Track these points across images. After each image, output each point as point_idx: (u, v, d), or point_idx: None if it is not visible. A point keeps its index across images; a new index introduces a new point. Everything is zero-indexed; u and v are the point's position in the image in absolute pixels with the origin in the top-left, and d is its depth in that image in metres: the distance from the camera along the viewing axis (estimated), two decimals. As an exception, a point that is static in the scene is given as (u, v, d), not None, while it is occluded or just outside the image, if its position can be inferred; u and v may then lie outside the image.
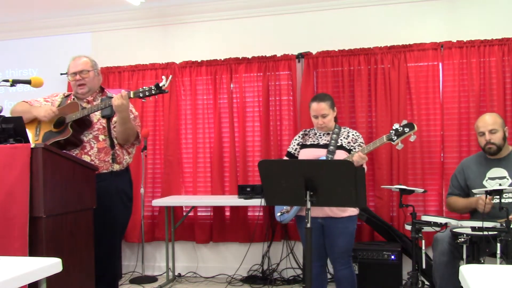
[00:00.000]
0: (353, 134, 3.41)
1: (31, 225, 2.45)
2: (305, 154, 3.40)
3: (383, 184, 4.40)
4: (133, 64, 5.23)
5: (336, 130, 3.41)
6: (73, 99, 3.33)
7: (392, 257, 4.01)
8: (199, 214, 5.06)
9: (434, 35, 4.55)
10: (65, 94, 3.46)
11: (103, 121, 3.22)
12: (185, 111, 5.12)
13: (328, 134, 3.42)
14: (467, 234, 2.97)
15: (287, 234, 4.80)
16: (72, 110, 3.15)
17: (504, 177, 3.43)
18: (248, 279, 4.77)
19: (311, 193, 2.59)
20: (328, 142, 3.37)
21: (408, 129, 3.15)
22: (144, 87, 3.06)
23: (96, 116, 3.22)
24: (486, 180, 3.47)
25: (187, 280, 4.94)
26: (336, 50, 4.71)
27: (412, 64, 4.55)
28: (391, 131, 3.19)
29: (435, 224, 3.18)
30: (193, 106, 5.08)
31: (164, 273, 4.95)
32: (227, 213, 5.01)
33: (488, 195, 3.15)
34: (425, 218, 3.29)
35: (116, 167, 3.25)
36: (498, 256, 2.82)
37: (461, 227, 3.13)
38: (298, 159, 3.42)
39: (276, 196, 2.81)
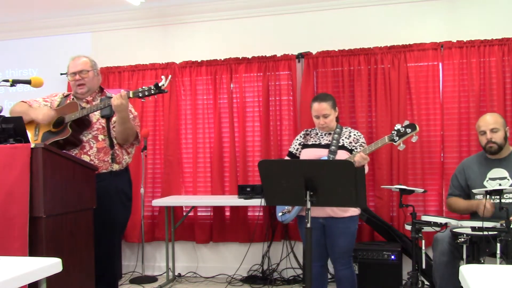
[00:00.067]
0: (354, 134, 3.40)
1: (31, 225, 2.45)
2: (307, 154, 3.39)
3: (383, 184, 4.40)
4: (133, 64, 5.23)
5: (338, 130, 3.40)
6: (73, 99, 3.33)
7: (392, 257, 4.01)
8: (199, 214, 5.06)
9: (434, 35, 4.55)
10: (65, 94, 3.46)
11: (103, 121, 3.23)
12: (185, 111, 5.12)
13: (330, 134, 3.42)
14: (467, 234, 2.97)
15: (287, 234, 4.80)
16: (71, 110, 3.15)
17: (504, 178, 3.43)
18: (248, 279, 4.77)
19: (311, 193, 2.59)
20: (329, 142, 3.36)
21: (410, 130, 3.14)
22: (144, 87, 3.06)
23: (95, 116, 3.22)
24: (487, 181, 3.47)
25: (187, 280, 4.94)
26: (336, 50, 4.71)
27: (412, 64, 4.55)
28: (392, 132, 3.18)
29: (435, 224, 3.18)
30: (193, 106, 5.08)
31: (164, 273, 4.95)
32: (227, 213, 5.01)
33: (489, 199, 3.15)
34: (425, 218, 3.29)
35: (116, 167, 3.25)
36: (498, 256, 2.82)
37: (461, 227, 3.13)
38: (299, 159, 3.42)
39: (276, 196, 2.81)
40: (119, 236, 3.50)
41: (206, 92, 5.07)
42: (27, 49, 5.61)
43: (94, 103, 3.28)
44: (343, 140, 3.36)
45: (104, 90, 3.43)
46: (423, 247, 3.21)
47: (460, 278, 1.65)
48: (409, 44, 4.56)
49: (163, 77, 3.07)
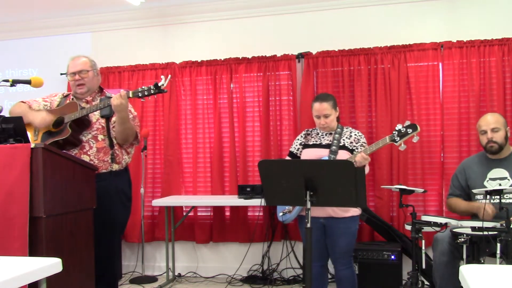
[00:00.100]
0: (355, 134, 3.40)
1: (31, 225, 2.46)
2: (308, 154, 3.39)
3: (383, 184, 4.40)
4: (133, 64, 5.23)
5: (339, 130, 3.40)
6: (72, 99, 3.33)
7: (392, 257, 4.01)
8: (199, 214, 5.06)
9: (434, 35, 4.55)
10: (64, 94, 3.46)
11: (102, 121, 3.23)
12: (185, 111, 5.12)
13: (331, 134, 3.42)
14: (467, 234, 2.97)
15: (287, 234, 4.80)
16: (71, 110, 3.15)
17: (505, 178, 3.43)
18: (248, 279, 4.77)
19: (311, 193, 2.59)
20: (330, 142, 3.36)
21: (411, 130, 3.14)
22: (143, 87, 3.06)
23: (95, 116, 3.22)
24: (487, 181, 3.47)
25: (187, 280, 4.94)
26: (336, 50, 4.71)
27: (412, 64, 4.55)
28: (394, 132, 3.18)
29: (435, 224, 3.18)
30: (193, 106, 5.07)
31: (164, 273, 4.95)
32: (227, 213, 5.01)
33: (490, 199, 3.15)
34: (425, 218, 3.29)
35: (115, 167, 3.25)
36: (498, 256, 2.82)
37: (461, 227, 3.13)
38: (300, 159, 3.42)
39: (276, 196, 2.81)
40: (119, 236, 3.50)
41: (206, 92, 5.07)
42: (27, 49, 5.61)
43: (93, 103, 3.28)
44: (344, 140, 3.36)
45: (104, 90, 3.43)
46: (423, 247, 3.21)
47: (460, 278, 1.65)
48: (409, 44, 4.56)
49: (162, 77, 3.08)
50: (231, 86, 5.01)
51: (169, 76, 3.30)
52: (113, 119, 3.22)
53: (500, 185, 3.38)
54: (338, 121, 3.48)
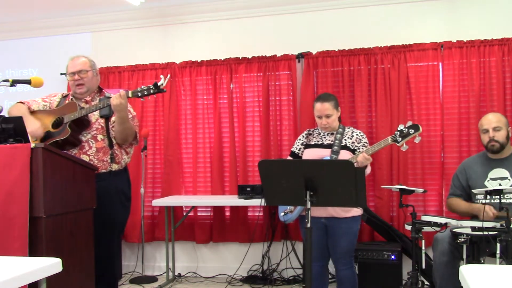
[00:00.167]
0: (357, 134, 3.40)
1: (31, 225, 2.45)
2: (309, 154, 3.39)
3: (383, 184, 4.40)
4: (133, 64, 5.23)
5: (340, 130, 3.40)
6: (71, 99, 3.33)
7: (392, 257, 4.01)
8: (199, 214, 5.06)
9: (434, 35, 4.55)
10: (64, 94, 3.46)
11: (102, 121, 3.23)
12: (185, 111, 5.12)
13: (332, 134, 3.41)
14: (467, 234, 2.97)
15: (287, 234, 4.80)
16: (70, 110, 3.15)
17: (506, 178, 3.43)
18: (248, 279, 4.77)
19: (311, 193, 2.59)
20: (332, 142, 3.36)
21: (413, 131, 3.15)
22: (143, 87, 3.07)
23: (94, 116, 3.22)
24: (488, 181, 3.47)
25: (187, 280, 4.94)
26: (336, 50, 4.71)
27: (412, 64, 4.55)
28: (395, 132, 3.18)
29: (435, 224, 3.18)
30: (193, 106, 5.07)
31: (164, 273, 4.95)
32: (227, 213, 5.01)
33: (490, 198, 3.15)
34: (425, 218, 3.29)
35: (115, 166, 3.25)
36: (498, 256, 2.82)
37: (461, 227, 3.13)
38: (302, 159, 3.42)
39: (276, 196, 2.81)
40: (118, 236, 3.50)
41: (206, 92, 5.06)
42: (27, 49, 5.61)
43: (93, 103, 3.28)
44: (345, 140, 3.36)
45: (103, 90, 3.43)
46: (423, 247, 3.21)
47: (460, 278, 1.65)
48: (409, 44, 4.56)
49: (162, 76, 3.08)
50: (231, 86, 5.01)
51: (168, 75, 3.30)
52: (113, 119, 3.22)
53: (500, 185, 3.38)
54: (340, 121, 3.48)
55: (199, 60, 5.06)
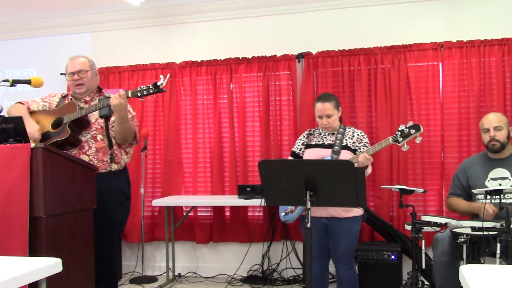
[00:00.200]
0: (358, 134, 3.40)
1: (31, 225, 2.45)
2: (310, 154, 3.39)
3: (383, 184, 4.40)
4: (133, 64, 5.23)
5: (341, 130, 3.40)
6: (71, 99, 3.33)
7: (392, 257, 4.01)
8: (199, 214, 5.06)
9: (434, 35, 4.55)
10: (63, 94, 3.45)
11: (101, 121, 3.22)
12: (185, 111, 5.12)
13: (333, 134, 3.41)
14: (467, 234, 2.97)
15: (287, 234, 4.80)
16: (70, 110, 3.15)
17: (506, 178, 3.43)
18: (248, 279, 4.77)
19: (311, 193, 2.59)
20: (333, 142, 3.36)
21: (414, 131, 3.14)
22: (142, 87, 3.07)
23: (94, 116, 3.22)
24: (488, 181, 3.47)
25: (187, 280, 4.94)
26: (336, 50, 4.71)
27: (412, 64, 4.55)
28: (397, 133, 3.18)
29: (435, 224, 3.18)
30: (193, 106, 5.07)
31: (164, 273, 4.95)
32: (227, 213, 5.01)
33: (490, 198, 3.15)
34: (425, 218, 3.29)
35: (114, 166, 3.25)
36: (498, 256, 2.82)
37: (461, 227, 3.13)
38: (302, 159, 3.42)
39: (276, 196, 2.81)
40: (118, 236, 3.50)
41: (206, 92, 5.06)
42: (27, 49, 5.61)
43: (92, 103, 3.28)
44: (346, 140, 3.36)
45: (102, 90, 3.43)
46: (423, 247, 3.21)
47: (460, 278, 1.65)
48: (409, 44, 4.56)
49: (161, 76, 3.08)
50: (231, 86, 5.01)
51: (168, 75, 3.30)
52: (112, 119, 3.22)
53: (500, 185, 3.38)
54: (341, 121, 3.47)
55: (199, 60, 5.06)
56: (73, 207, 2.78)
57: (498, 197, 3.00)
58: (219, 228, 4.99)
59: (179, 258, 5.10)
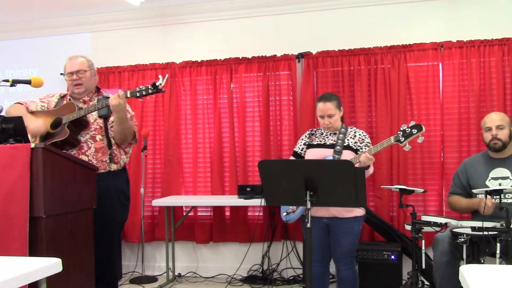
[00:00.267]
0: (360, 134, 3.40)
1: (31, 225, 2.45)
2: (312, 154, 3.39)
3: (383, 184, 4.40)
4: (133, 64, 5.23)
5: (343, 130, 3.40)
6: (69, 99, 3.32)
7: (392, 257, 4.01)
8: (199, 214, 5.06)
9: (434, 35, 4.55)
10: (61, 95, 3.45)
11: (100, 121, 3.22)
12: (185, 111, 5.12)
13: (335, 134, 3.41)
14: (467, 234, 2.97)
15: (287, 234, 4.80)
16: (68, 111, 3.14)
17: (507, 177, 3.43)
18: (248, 279, 4.77)
19: (311, 193, 2.59)
20: (334, 142, 3.36)
21: (416, 131, 3.14)
22: (141, 87, 3.07)
23: (92, 116, 3.22)
24: (489, 180, 3.47)
25: (187, 280, 4.94)
26: (336, 50, 4.71)
27: (412, 64, 4.55)
28: (398, 132, 3.18)
29: (435, 224, 3.18)
30: (193, 106, 5.07)
31: (164, 273, 4.95)
32: (227, 213, 5.01)
33: (490, 197, 3.15)
34: (425, 218, 3.29)
35: (114, 166, 3.25)
36: (498, 256, 2.82)
37: (461, 227, 3.13)
38: (302, 159, 3.42)
39: (276, 196, 2.81)
40: (118, 236, 3.50)
41: (206, 92, 5.06)
42: (27, 49, 5.61)
43: (91, 103, 3.28)
44: (348, 140, 3.36)
45: (101, 90, 3.43)
46: (423, 247, 3.21)
47: (460, 278, 1.65)
48: (409, 44, 4.56)
49: (160, 76, 3.09)
50: (231, 86, 5.01)
51: (167, 75, 3.30)
52: (111, 119, 3.22)
53: (500, 184, 3.38)
54: (343, 121, 3.47)
55: (199, 60, 5.06)
56: (73, 207, 2.78)
57: (498, 197, 2.99)
58: (219, 228, 4.99)
59: (179, 258, 5.10)
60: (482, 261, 3.04)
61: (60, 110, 3.21)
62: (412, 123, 3.18)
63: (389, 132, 4.43)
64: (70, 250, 2.72)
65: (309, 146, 3.45)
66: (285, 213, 3.43)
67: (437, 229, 3.20)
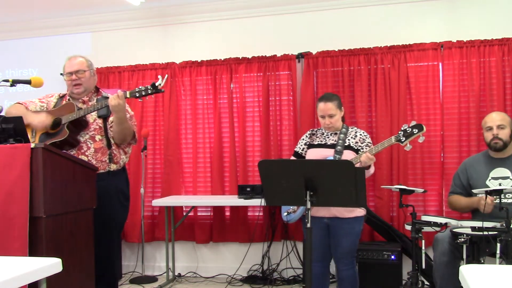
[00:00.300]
0: (360, 134, 3.40)
1: (31, 225, 2.45)
2: (313, 154, 3.39)
3: (383, 184, 4.40)
4: (133, 64, 5.23)
5: (344, 130, 3.40)
6: (68, 99, 3.32)
7: (392, 257, 4.01)
8: (199, 214, 5.06)
9: (434, 35, 4.55)
10: (61, 95, 3.45)
11: (100, 121, 3.22)
12: (185, 111, 5.12)
13: (336, 134, 3.41)
14: (467, 234, 2.97)
15: (287, 234, 4.80)
16: (68, 111, 3.14)
17: (507, 177, 3.43)
18: (248, 279, 4.77)
19: (311, 193, 2.59)
20: (335, 142, 3.36)
21: (416, 130, 3.15)
22: (141, 87, 3.07)
23: (92, 117, 3.22)
24: (489, 180, 3.47)
25: (187, 280, 4.94)
26: (336, 50, 4.71)
27: (412, 64, 4.55)
28: (399, 132, 3.18)
29: (435, 224, 3.18)
30: (193, 106, 5.07)
31: (164, 273, 4.95)
32: (227, 213, 5.01)
33: (490, 195, 3.15)
34: (425, 218, 3.29)
35: (113, 166, 3.25)
36: (498, 256, 2.82)
37: (461, 227, 3.13)
38: (302, 159, 3.41)
39: (276, 196, 2.81)
40: (118, 236, 3.50)
41: (206, 92, 5.06)
42: (27, 49, 5.61)
43: (90, 103, 3.28)
44: (349, 140, 3.36)
45: (100, 90, 3.43)
46: (423, 247, 3.21)
47: (460, 278, 1.65)
48: (409, 44, 4.56)
49: (159, 76, 3.09)
50: (231, 86, 5.01)
51: (166, 75, 3.31)
52: (110, 119, 3.22)
53: (500, 184, 3.38)
54: (343, 121, 3.47)
55: (199, 60, 5.06)
56: (73, 207, 2.78)
57: (498, 196, 2.99)
58: (219, 228, 4.99)
59: (179, 258, 5.10)
60: (482, 261, 3.04)
61: (60, 110, 3.21)
62: (413, 122, 3.19)
63: (389, 132, 4.43)
64: (70, 250, 2.72)
65: (310, 146, 3.45)
66: (286, 213, 3.42)
67: (437, 229, 3.20)
